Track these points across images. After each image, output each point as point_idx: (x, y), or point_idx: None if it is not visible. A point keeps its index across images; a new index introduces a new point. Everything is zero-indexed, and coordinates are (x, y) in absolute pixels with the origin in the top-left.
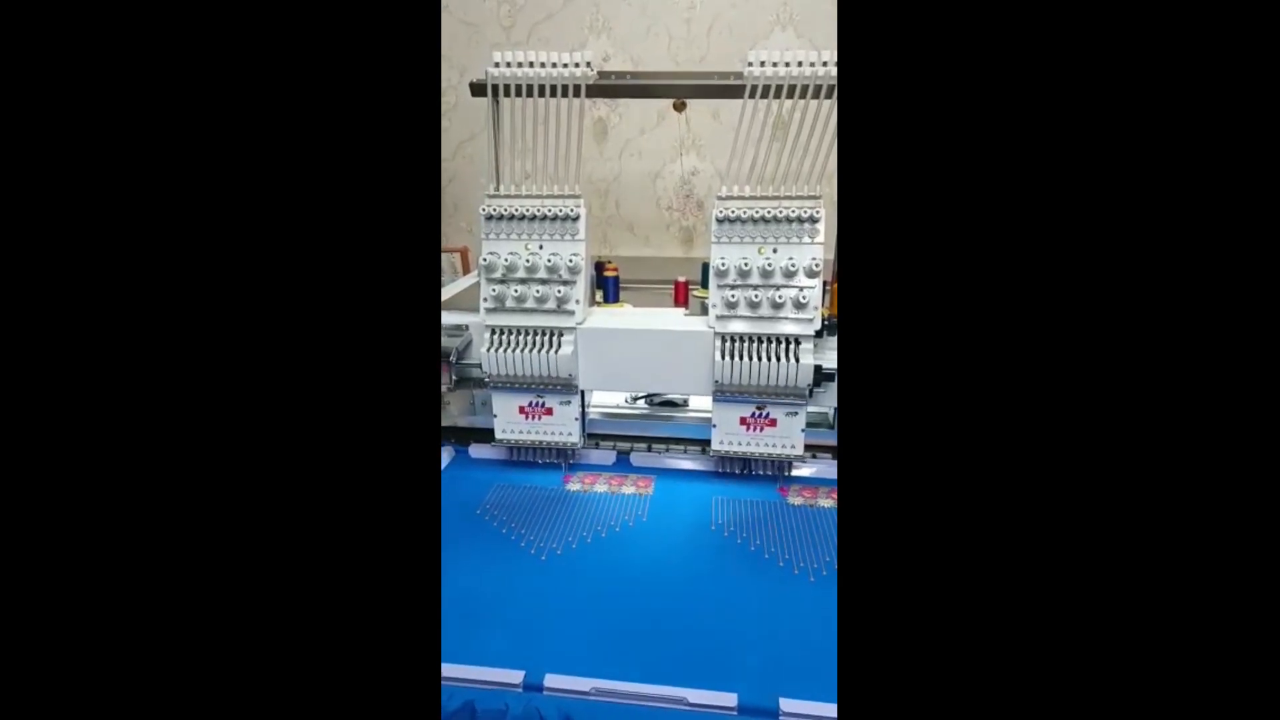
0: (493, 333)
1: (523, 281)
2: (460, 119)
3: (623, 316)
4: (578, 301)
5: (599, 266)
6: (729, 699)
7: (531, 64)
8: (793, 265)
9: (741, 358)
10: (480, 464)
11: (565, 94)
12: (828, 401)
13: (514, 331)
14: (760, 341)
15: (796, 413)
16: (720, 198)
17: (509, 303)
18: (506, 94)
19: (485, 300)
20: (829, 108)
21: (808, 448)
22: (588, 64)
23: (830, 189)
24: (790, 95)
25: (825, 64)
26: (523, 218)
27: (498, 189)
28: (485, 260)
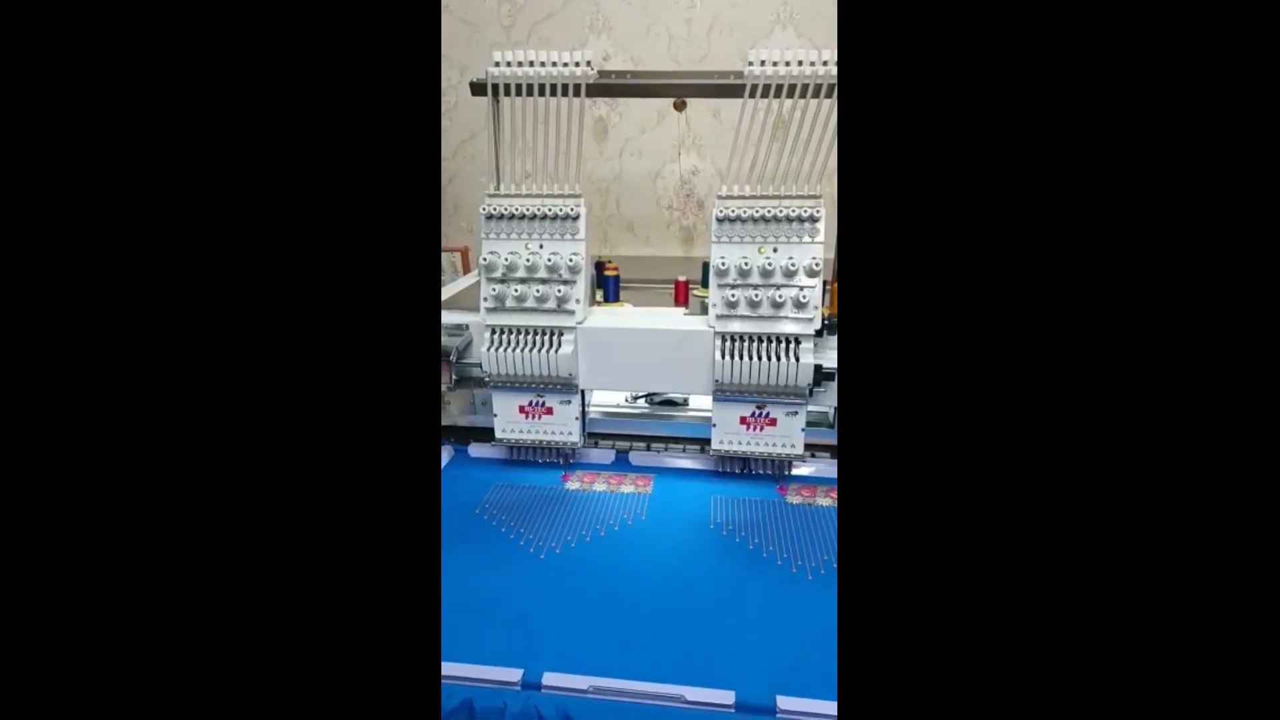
0: (493, 332)
1: (523, 281)
2: (460, 118)
3: (623, 316)
4: (578, 301)
5: (599, 266)
6: (727, 697)
7: (532, 63)
8: (793, 265)
9: (741, 357)
10: (480, 463)
11: (565, 93)
12: (828, 401)
13: (514, 331)
14: (760, 341)
15: (796, 412)
16: (720, 197)
17: (509, 302)
18: (507, 93)
19: (485, 300)
20: (829, 107)
21: (807, 447)
22: (588, 63)
23: (830, 188)
24: (790, 94)
25: (825, 63)
26: (523, 217)
27: (498, 188)
28: (485, 260)
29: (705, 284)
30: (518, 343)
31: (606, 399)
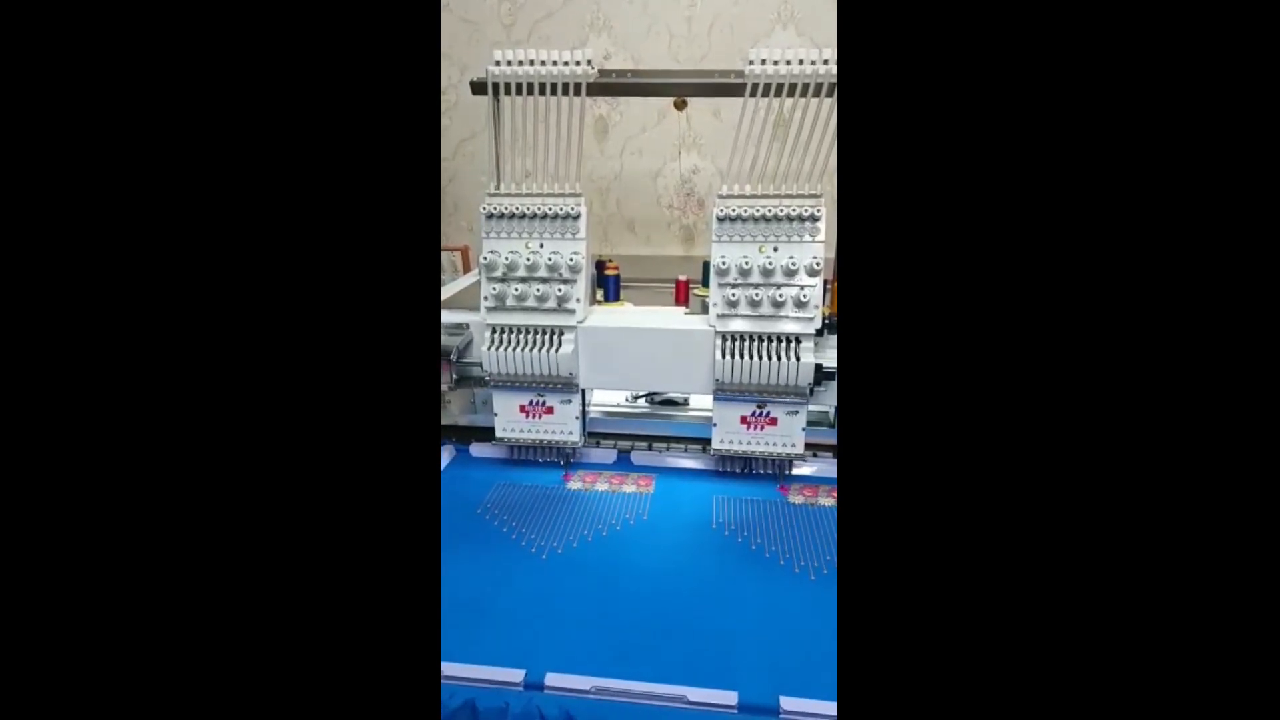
0: (493, 331)
1: (523, 280)
2: (461, 117)
3: (623, 315)
4: (578, 300)
5: (599, 265)
6: (730, 697)
7: (532, 62)
8: (793, 264)
9: (742, 356)
10: (481, 463)
11: (566, 92)
12: (828, 400)
13: (514, 330)
14: (761, 340)
15: (797, 411)
16: (721, 196)
17: (509, 301)
18: (507, 92)
19: (486, 299)
20: (830, 106)
21: (808, 446)
22: (588, 62)
23: (831, 187)
24: (791, 93)
25: (826, 62)
26: (523, 216)
27: (498, 187)
28: (486, 259)
29: (706, 283)
30: (518, 342)
31: (607, 398)
